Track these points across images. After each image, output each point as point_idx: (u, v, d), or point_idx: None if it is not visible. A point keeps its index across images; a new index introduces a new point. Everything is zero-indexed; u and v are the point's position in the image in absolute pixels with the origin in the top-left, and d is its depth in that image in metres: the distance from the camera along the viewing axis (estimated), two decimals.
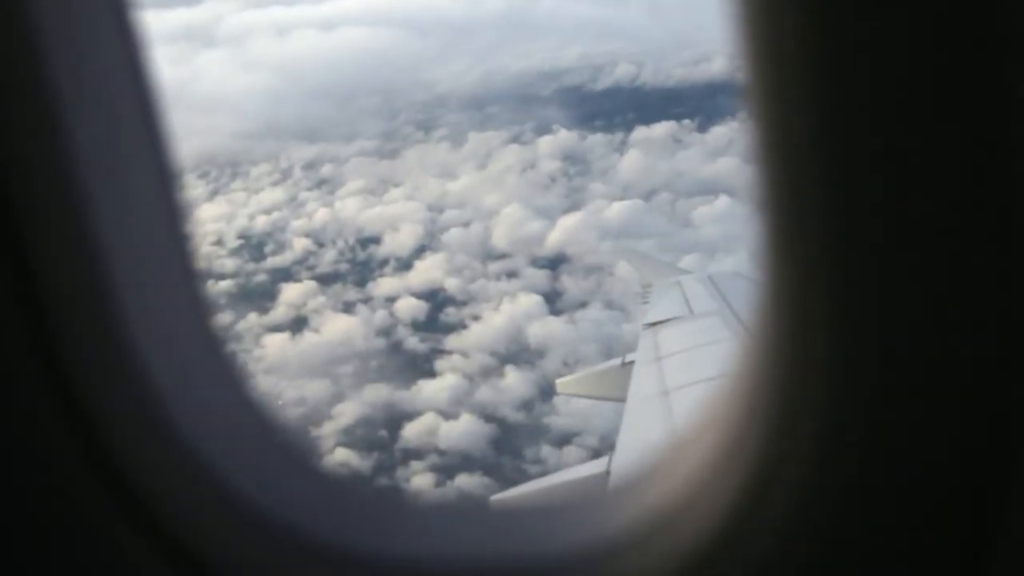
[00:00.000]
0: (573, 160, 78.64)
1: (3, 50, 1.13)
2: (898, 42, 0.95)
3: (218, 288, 65.02)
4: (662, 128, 79.07)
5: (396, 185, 79.11)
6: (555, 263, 62.94)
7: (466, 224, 70.19)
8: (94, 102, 1.23)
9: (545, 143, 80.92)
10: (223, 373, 1.46)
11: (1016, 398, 1.06)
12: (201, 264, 1.40)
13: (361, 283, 64.80)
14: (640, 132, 79.84)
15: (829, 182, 1.01)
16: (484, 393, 50.70)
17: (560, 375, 51.18)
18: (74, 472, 1.29)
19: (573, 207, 70.03)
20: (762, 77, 1.01)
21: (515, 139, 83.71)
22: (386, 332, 58.34)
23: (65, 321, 1.24)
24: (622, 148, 78.64)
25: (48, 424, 1.27)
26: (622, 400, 11.56)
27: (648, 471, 1.38)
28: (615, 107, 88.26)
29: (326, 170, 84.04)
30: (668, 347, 12.69)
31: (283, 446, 1.46)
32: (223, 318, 60.18)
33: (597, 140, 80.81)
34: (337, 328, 58.63)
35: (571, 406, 45.42)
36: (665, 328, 13.58)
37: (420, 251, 67.24)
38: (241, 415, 1.45)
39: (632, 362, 12.77)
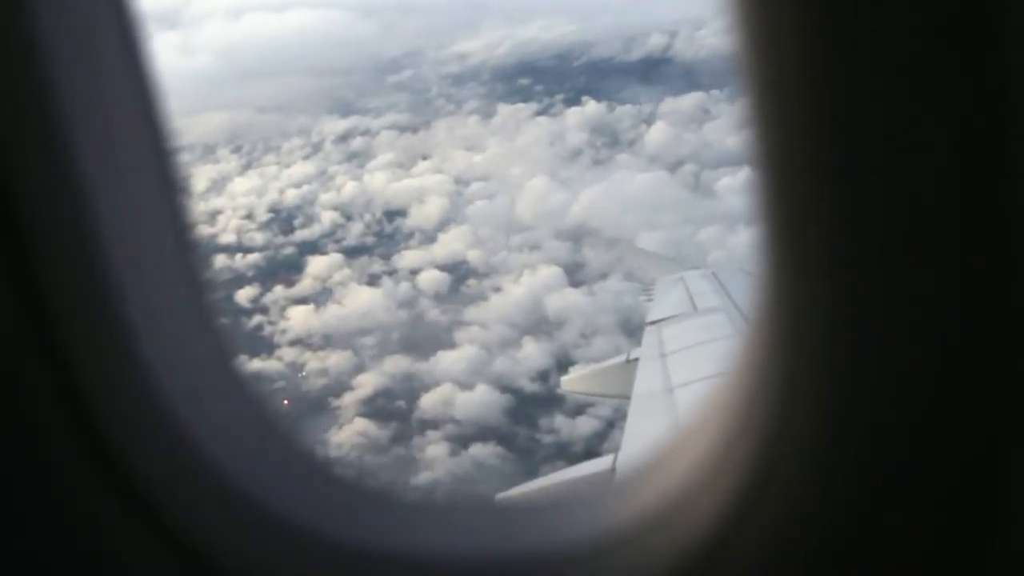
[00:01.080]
0: (600, 132, 78.85)
1: (4, 50, 1.15)
2: (899, 39, 0.95)
3: (246, 261, 66.37)
4: (691, 99, 78.98)
5: (424, 158, 79.85)
6: (578, 235, 63.40)
7: (491, 197, 70.89)
8: (95, 101, 1.24)
9: (573, 115, 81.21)
10: (226, 372, 1.46)
11: (1016, 398, 1.07)
12: (204, 262, 1.39)
13: (386, 256, 65.83)
14: (669, 103, 79.78)
15: (828, 181, 1.01)
16: (501, 364, 51.43)
17: (577, 345, 52.06)
18: (78, 471, 1.30)
19: (598, 179, 70.27)
20: (761, 78, 1.02)
21: (544, 111, 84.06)
22: (409, 304, 59.26)
23: (68, 322, 1.25)
24: (651, 120, 78.63)
25: (52, 424, 1.28)
26: (627, 397, 11.53)
27: (648, 467, 1.39)
28: (645, 78, 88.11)
29: (357, 143, 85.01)
30: (672, 344, 12.62)
31: (287, 444, 1.47)
32: (250, 291, 61.43)
33: (626, 112, 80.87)
34: (360, 300, 59.61)
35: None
36: (669, 325, 13.51)
37: (445, 224, 68.01)
38: (244, 412, 1.46)
39: (636, 359, 12.67)
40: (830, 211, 1.02)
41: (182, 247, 1.39)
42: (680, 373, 11.35)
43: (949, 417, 1.09)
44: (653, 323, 13.81)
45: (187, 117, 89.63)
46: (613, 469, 9.61)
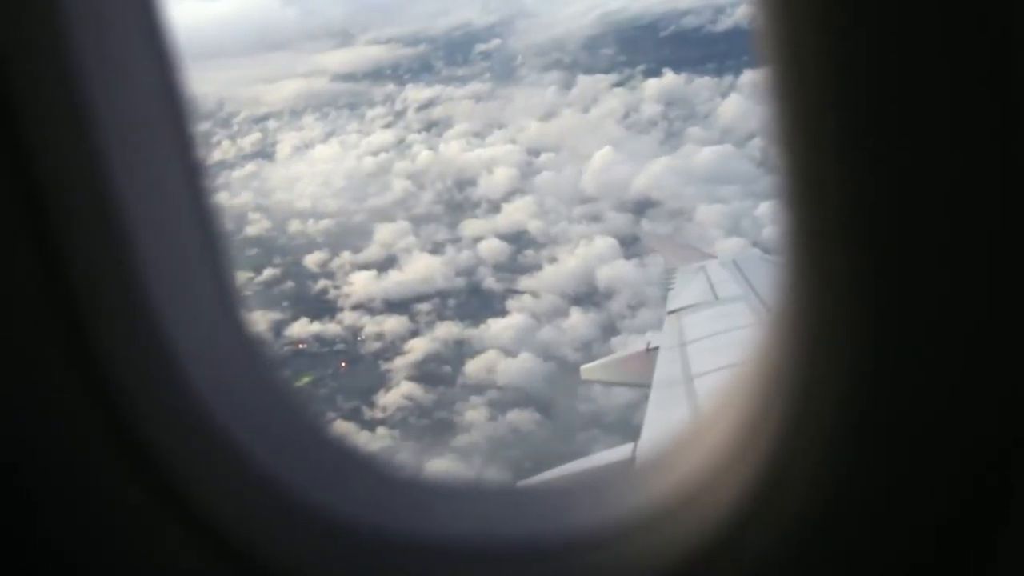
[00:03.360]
0: (676, 104, 78.62)
1: (34, 48, 1.15)
2: (920, 39, 0.95)
3: (318, 227, 68.52)
4: None
5: (500, 128, 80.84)
6: (640, 207, 63.79)
7: (559, 168, 71.56)
8: (123, 93, 1.24)
9: (651, 86, 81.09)
10: (251, 358, 1.47)
11: None
12: (227, 247, 1.45)
13: (453, 224, 67.12)
14: (749, 75, 78.92)
15: (850, 172, 1.01)
16: (547, 333, 52.42)
17: (623, 316, 52.73)
18: (103, 457, 1.30)
19: (666, 152, 70.35)
20: (784, 73, 1.01)
21: (623, 82, 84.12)
22: (467, 272, 60.62)
23: (94, 310, 1.24)
24: (727, 92, 78.08)
25: (77, 412, 1.28)
26: (647, 386, 11.65)
27: (667, 456, 1.40)
28: (730, 49, 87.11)
29: (437, 112, 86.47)
30: (693, 333, 12.73)
31: (312, 430, 1.48)
32: (318, 256, 63.51)
33: (703, 84, 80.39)
34: (421, 267, 61.15)
35: (626, 349, 46.86)
36: (690, 313, 13.62)
37: (512, 194, 68.99)
38: (269, 399, 1.47)
39: (657, 348, 12.83)
40: (852, 203, 1.02)
41: (208, 240, 1.40)
42: (700, 362, 11.55)
43: (968, 415, 1.08)
44: (674, 312, 13.94)
45: (266, 84, 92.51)
46: (632, 457, 9.73)
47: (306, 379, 51.60)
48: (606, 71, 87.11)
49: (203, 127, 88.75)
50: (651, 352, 12.92)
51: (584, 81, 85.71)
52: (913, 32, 0.95)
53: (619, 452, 10.44)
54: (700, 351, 11.95)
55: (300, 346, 55.42)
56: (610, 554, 1.31)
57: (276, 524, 1.36)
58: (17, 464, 1.32)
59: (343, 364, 53.82)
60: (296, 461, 1.41)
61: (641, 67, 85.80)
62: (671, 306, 14.27)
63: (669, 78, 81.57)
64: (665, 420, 10.18)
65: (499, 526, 1.42)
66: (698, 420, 1.47)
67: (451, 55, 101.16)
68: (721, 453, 1.27)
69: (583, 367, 16.54)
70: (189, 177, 1.37)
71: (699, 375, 11.13)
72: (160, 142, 1.33)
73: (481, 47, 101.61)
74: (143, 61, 1.29)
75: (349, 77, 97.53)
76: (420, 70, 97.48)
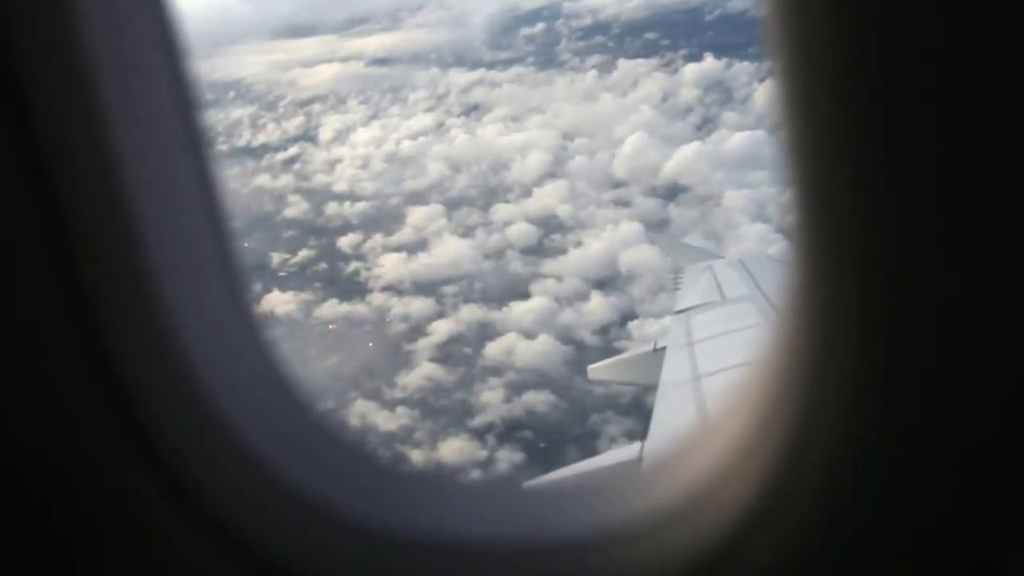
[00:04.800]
0: (714, 89, 78.51)
1: (48, 50, 1.15)
2: (928, 37, 0.93)
3: (354, 209, 69.79)
4: None
5: (538, 112, 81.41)
6: (669, 192, 64.04)
7: (592, 152, 71.98)
8: (135, 93, 1.24)
9: (691, 71, 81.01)
10: (261, 356, 1.47)
11: None
12: (236, 246, 1.43)
13: (485, 208, 67.94)
14: None
15: (859, 173, 0.99)
16: (568, 316, 53.07)
17: (643, 301, 53.17)
18: (114, 455, 1.31)
19: (699, 137, 70.44)
20: (793, 71, 1.00)
21: (663, 67, 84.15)
22: (495, 255, 61.45)
23: (106, 309, 1.25)
24: (767, 77, 77.62)
25: (89, 410, 1.28)
26: (654, 386, 11.40)
27: (675, 456, 1.40)
28: None
29: (478, 96, 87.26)
30: (700, 333, 12.52)
31: (321, 427, 1.48)
32: (352, 238, 64.74)
33: (743, 68, 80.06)
34: (450, 250, 62.10)
35: (643, 333, 47.45)
36: (697, 313, 13.39)
37: (544, 178, 69.62)
38: (280, 398, 1.47)
39: (664, 348, 12.54)
40: (862, 200, 1.01)
41: (220, 239, 1.40)
42: (707, 362, 11.36)
43: (976, 418, 1.07)
44: (681, 311, 13.68)
45: (304, 68, 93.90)
46: (640, 458, 9.60)
47: (333, 360, 52.90)
48: (647, 55, 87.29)
49: (249, 110, 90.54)
50: (658, 352, 12.63)
51: (624, 65, 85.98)
52: (922, 29, 0.94)
53: (626, 452, 10.31)
54: (707, 351, 11.77)
55: (329, 327, 56.68)
56: (617, 555, 1.31)
57: (285, 521, 1.37)
58: (29, 462, 1.33)
59: (370, 344, 54.95)
60: (305, 459, 1.42)
61: (683, 51, 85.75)
62: (678, 306, 14.05)
63: (709, 63, 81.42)
64: (672, 420, 10.00)
65: (507, 525, 1.43)
66: (706, 422, 1.49)
67: (496, 39, 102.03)
68: (729, 455, 1.27)
69: (590, 367, 15.99)
70: (201, 176, 1.37)
71: (707, 375, 10.95)
72: (172, 142, 1.34)
73: (526, 31, 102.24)
74: (155, 61, 1.30)
75: (390, 61, 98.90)
76: (464, 54, 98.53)
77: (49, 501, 1.36)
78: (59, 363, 1.28)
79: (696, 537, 1.25)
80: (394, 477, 1.49)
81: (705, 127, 73.00)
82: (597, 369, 15.58)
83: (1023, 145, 0.95)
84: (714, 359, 11.30)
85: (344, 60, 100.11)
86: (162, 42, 1.30)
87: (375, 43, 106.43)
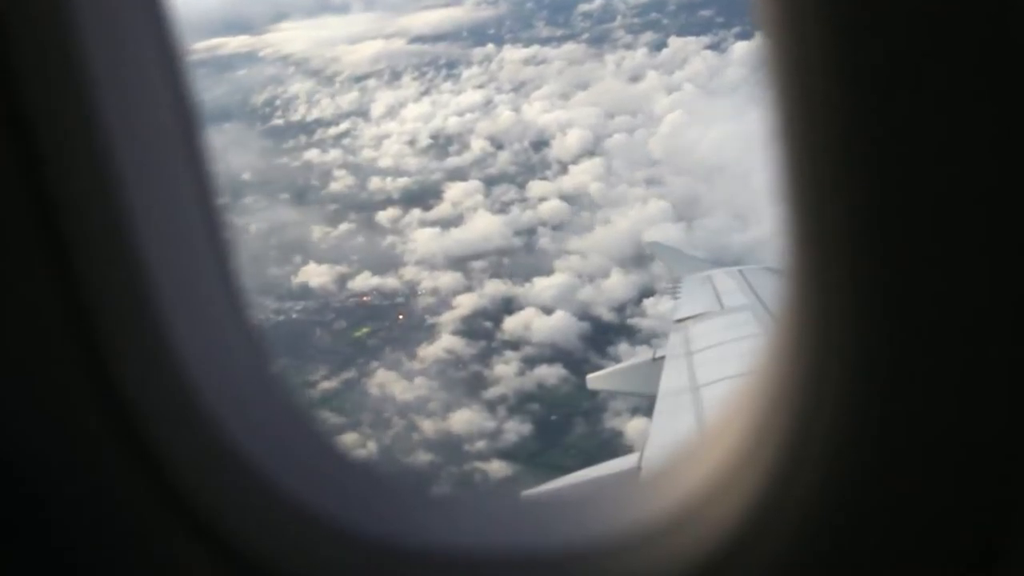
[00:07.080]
0: (761, 68, 78.07)
1: (43, 47, 1.14)
2: (923, 37, 0.93)
3: (396, 184, 71.44)
4: None
5: (584, 89, 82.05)
6: (698, 171, 64.43)
7: (631, 130, 72.55)
8: (133, 101, 1.24)
9: (740, 49, 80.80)
10: (257, 365, 1.47)
11: None
12: (234, 254, 1.43)
13: (523, 184, 69.10)
14: None
15: (853, 177, 0.99)
16: (587, 293, 54.10)
17: (661, 278, 53.74)
18: (109, 460, 1.31)
19: (738, 116, 70.43)
20: (786, 68, 1.01)
21: (714, 45, 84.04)
22: (526, 232, 62.67)
23: (103, 315, 1.24)
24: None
25: (85, 416, 1.28)
26: (653, 395, 11.53)
27: (673, 466, 1.39)
28: None
29: (529, 73, 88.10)
30: (699, 342, 12.59)
31: (315, 436, 1.49)
32: (391, 212, 66.41)
33: None
34: (482, 225, 63.46)
35: (657, 310, 48.22)
36: (696, 323, 13.46)
37: (582, 155, 70.50)
38: (276, 406, 1.47)
39: (663, 357, 12.63)
40: (856, 210, 1.01)
41: (217, 247, 1.39)
42: (706, 372, 11.41)
43: (974, 421, 1.08)
44: (680, 321, 13.74)
45: (350, 44, 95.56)
46: (638, 467, 9.70)
47: (364, 331, 54.69)
48: (700, 33, 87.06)
49: (307, 85, 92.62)
50: (657, 361, 12.82)
51: (675, 43, 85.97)
52: (917, 30, 0.94)
53: (625, 461, 10.44)
54: (706, 360, 11.84)
55: (364, 299, 58.44)
56: (615, 565, 1.31)
57: (280, 530, 1.37)
58: (25, 466, 1.33)
59: (401, 316, 56.61)
60: (301, 468, 1.42)
61: (736, 29, 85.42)
62: (677, 315, 14.13)
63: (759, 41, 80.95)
64: (671, 429, 10.09)
65: (505, 535, 1.44)
66: (704, 431, 1.47)
67: (553, 16, 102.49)
68: (726, 465, 1.27)
69: (589, 376, 16.24)
70: (198, 184, 1.37)
71: (706, 384, 11.04)
72: (170, 150, 1.34)
73: (584, 7, 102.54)
74: (153, 69, 1.30)
75: (443, 37, 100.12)
76: (521, 30, 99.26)
77: (42, 504, 1.37)
78: (54, 367, 1.28)
79: (694, 547, 1.26)
80: (392, 487, 1.50)
81: (748, 106, 72.89)
82: (596, 379, 15.92)
83: (1019, 155, 0.97)
84: (713, 369, 11.41)
85: (389, 37, 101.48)
86: (158, 40, 1.30)
87: (436, 18, 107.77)
